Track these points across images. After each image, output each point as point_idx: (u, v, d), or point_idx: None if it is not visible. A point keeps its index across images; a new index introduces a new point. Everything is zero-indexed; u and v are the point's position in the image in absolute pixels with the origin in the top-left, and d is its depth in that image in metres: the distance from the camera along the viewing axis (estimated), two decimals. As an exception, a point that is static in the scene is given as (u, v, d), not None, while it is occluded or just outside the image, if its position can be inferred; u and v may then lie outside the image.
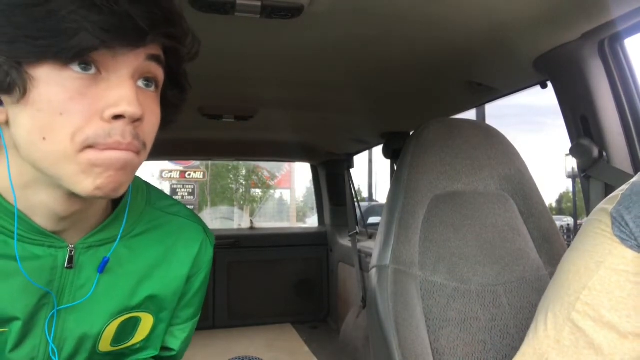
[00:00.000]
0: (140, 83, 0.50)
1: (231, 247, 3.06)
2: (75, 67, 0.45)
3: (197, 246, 0.69)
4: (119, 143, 0.47)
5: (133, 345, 0.66)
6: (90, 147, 0.46)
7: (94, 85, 0.46)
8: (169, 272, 0.65)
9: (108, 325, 0.61)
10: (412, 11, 0.87)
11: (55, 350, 0.57)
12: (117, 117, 0.46)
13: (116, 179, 0.48)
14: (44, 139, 0.45)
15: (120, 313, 0.61)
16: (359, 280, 2.40)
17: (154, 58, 0.50)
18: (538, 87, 1.22)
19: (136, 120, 0.48)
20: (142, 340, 0.66)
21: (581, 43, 0.95)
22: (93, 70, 0.46)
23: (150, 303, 0.64)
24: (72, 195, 0.51)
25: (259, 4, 0.81)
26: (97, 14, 0.43)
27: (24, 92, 0.44)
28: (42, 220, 0.54)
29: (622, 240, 0.59)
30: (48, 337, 0.56)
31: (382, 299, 0.92)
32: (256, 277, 3.08)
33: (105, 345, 0.62)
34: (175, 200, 0.73)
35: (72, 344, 0.59)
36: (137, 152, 0.49)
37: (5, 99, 0.46)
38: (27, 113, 0.45)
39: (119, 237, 0.58)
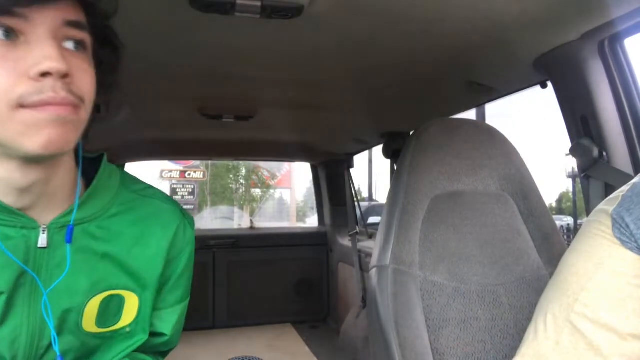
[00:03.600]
0: (64, 45, 0.52)
1: (231, 247, 3.06)
2: None
3: (173, 228, 0.69)
4: (53, 97, 0.48)
5: (122, 328, 0.66)
6: (23, 106, 0.48)
7: (14, 49, 0.48)
8: (147, 252, 0.66)
9: (88, 301, 0.61)
10: (412, 11, 0.87)
11: (52, 325, 0.57)
12: (45, 75, 0.48)
13: (57, 135, 0.50)
14: None
15: (99, 290, 0.62)
16: (359, 280, 2.40)
17: (72, 24, 0.51)
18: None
19: (65, 77, 0.49)
20: (131, 323, 0.66)
21: (581, 43, 0.95)
22: (9, 36, 0.48)
23: (132, 282, 0.65)
24: (27, 163, 0.53)
25: (259, 4, 0.81)
26: None
27: None
28: (2, 196, 0.54)
29: (623, 242, 0.59)
30: (45, 315, 0.57)
31: (382, 299, 0.92)
32: (256, 277, 3.08)
33: (90, 325, 0.62)
34: (149, 184, 0.73)
35: (55, 322, 0.59)
36: (75, 107, 0.51)
37: None
38: None
39: (75, 209, 0.59)
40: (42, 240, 0.57)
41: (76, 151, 0.63)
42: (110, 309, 0.64)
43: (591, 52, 0.96)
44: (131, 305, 0.66)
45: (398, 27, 0.95)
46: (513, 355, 0.68)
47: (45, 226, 0.57)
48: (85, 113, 0.53)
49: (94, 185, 0.62)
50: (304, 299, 3.16)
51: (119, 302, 0.65)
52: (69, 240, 0.58)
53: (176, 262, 0.71)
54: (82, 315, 0.61)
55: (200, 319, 2.95)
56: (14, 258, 0.54)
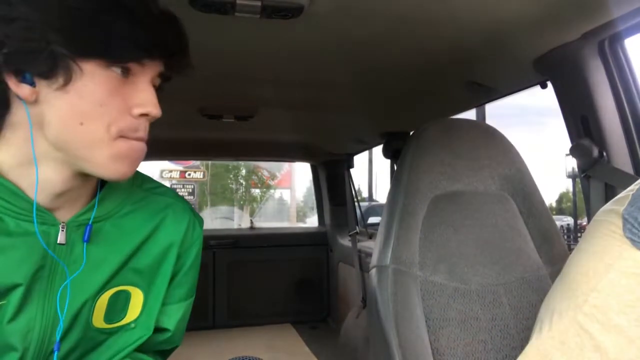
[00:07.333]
0: None
1: (231, 247, 3.06)
2: (115, 69, 0.54)
3: (185, 223, 0.73)
4: (143, 136, 0.58)
5: (127, 324, 0.68)
6: (121, 136, 0.55)
7: (124, 86, 0.56)
8: (157, 246, 0.69)
9: (99, 297, 0.64)
10: (412, 11, 0.88)
11: (61, 319, 0.60)
12: (143, 115, 0.57)
13: (135, 165, 0.58)
14: (81, 124, 0.53)
15: (110, 286, 0.65)
16: (359, 280, 2.40)
17: (162, 75, 0.61)
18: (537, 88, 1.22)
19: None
20: (135, 319, 0.68)
21: (581, 43, 0.95)
22: (125, 74, 0.55)
23: (138, 277, 0.67)
24: (77, 174, 0.58)
25: (259, 4, 0.81)
26: (145, 30, 0.53)
27: (67, 81, 0.51)
28: (38, 197, 0.58)
29: (634, 242, 0.58)
30: (58, 308, 0.60)
31: (382, 299, 0.92)
32: (256, 277, 3.08)
33: (98, 320, 0.65)
34: (162, 183, 0.76)
35: (68, 317, 0.61)
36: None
37: (40, 82, 0.52)
38: (66, 99, 0.52)
39: (93, 213, 0.63)
40: (61, 237, 0.59)
41: None
42: (117, 305, 0.66)
43: (591, 52, 0.96)
44: (136, 301, 0.68)
45: (398, 27, 0.95)
46: (513, 355, 0.68)
47: (64, 223, 0.60)
48: None
49: (108, 186, 0.65)
50: (304, 299, 3.16)
51: (125, 297, 0.67)
52: (87, 239, 0.61)
53: (184, 257, 0.73)
54: (93, 311, 0.64)
55: (200, 319, 2.95)
56: (43, 245, 0.58)
